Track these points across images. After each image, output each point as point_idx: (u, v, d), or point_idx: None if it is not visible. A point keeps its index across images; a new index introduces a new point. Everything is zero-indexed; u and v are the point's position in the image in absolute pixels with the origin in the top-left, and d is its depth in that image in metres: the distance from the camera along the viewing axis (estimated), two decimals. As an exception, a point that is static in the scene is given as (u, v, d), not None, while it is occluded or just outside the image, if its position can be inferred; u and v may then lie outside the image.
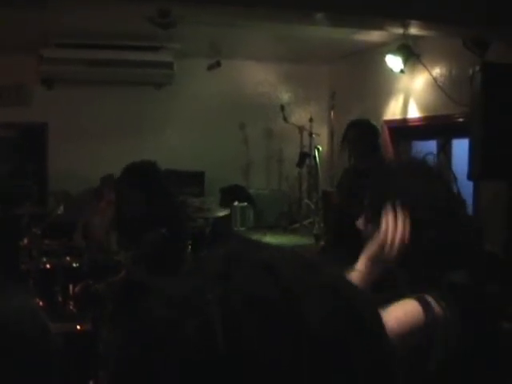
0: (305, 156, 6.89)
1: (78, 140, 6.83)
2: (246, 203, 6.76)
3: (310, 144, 6.93)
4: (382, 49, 6.09)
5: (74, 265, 4.46)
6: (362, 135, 4.64)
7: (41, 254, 4.55)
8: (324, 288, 0.65)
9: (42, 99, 6.82)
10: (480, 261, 1.82)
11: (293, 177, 7.28)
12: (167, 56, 6.72)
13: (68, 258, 4.51)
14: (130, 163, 3.77)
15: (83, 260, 4.43)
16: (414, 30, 4.64)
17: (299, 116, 7.34)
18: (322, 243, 5.43)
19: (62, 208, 5.74)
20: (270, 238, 5.96)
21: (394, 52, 5.78)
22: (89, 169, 6.40)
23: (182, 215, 3.95)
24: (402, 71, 5.90)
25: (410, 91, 6.13)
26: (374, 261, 1.71)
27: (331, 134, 7.11)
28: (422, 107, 5.99)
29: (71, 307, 4.25)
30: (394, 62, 5.84)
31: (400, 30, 4.70)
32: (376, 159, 4.34)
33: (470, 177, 4.24)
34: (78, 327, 3.91)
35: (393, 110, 6.45)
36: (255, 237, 5.94)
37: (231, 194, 6.89)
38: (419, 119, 6.05)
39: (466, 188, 4.48)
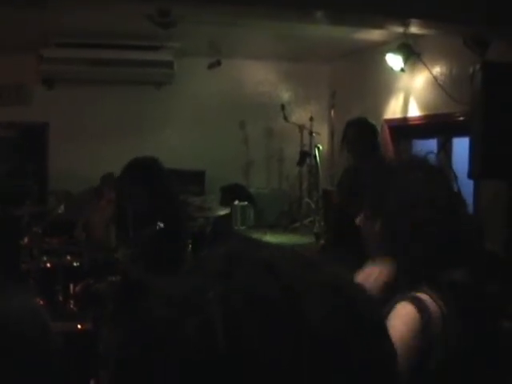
0: (305, 155, 6.89)
1: (79, 139, 6.84)
2: (246, 202, 6.76)
3: (310, 143, 6.92)
4: (382, 47, 6.09)
5: (75, 264, 4.45)
6: (361, 134, 4.64)
7: (41, 253, 4.55)
8: (324, 287, 0.65)
9: (43, 99, 6.82)
10: (480, 260, 1.82)
11: (293, 176, 7.28)
12: (167, 55, 6.72)
13: (69, 258, 4.51)
14: (132, 159, 3.75)
15: (84, 259, 4.43)
16: (414, 29, 4.63)
17: (299, 115, 7.34)
18: (322, 242, 5.43)
19: (62, 207, 5.73)
20: (270, 237, 5.96)
21: (395, 51, 5.78)
22: (89, 168, 6.39)
23: (182, 213, 3.94)
24: (402, 70, 5.89)
25: (411, 90, 6.12)
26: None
27: (331, 133, 7.10)
28: (422, 106, 5.98)
29: (72, 306, 4.25)
30: (394, 60, 5.84)
31: (400, 29, 4.70)
32: (376, 158, 4.34)
33: (470, 176, 4.24)
34: (79, 326, 3.90)
35: (393, 109, 6.45)
36: (255, 236, 5.94)
37: (232, 193, 6.89)
38: (420, 118, 6.05)
39: (466, 187, 4.48)
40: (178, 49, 6.64)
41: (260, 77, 7.56)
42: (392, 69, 5.93)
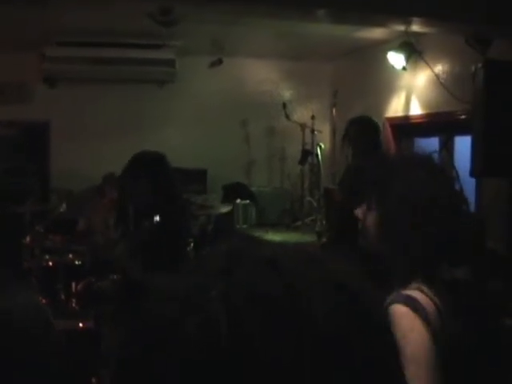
0: (307, 153, 6.89)
1: (80, 138, 6.84)
2: (248, 201, 6.76)
3: (312, 141, 6.92)
4: (384, 46, 6.08)
5: (77, 262, 4.46)
6: (363, 132, 4.63)
7: (43, 251, 4.55)
8: (327, 283, 0.65)
9: (44, 97, 6.82)
10: (482, 258, 1.82)
11: (295, 174, 7.28)
12: (169, 54, 6.72)
13: (70, 256, 4.51)
14: (140, 151, 3.71)
15: (85, 258, 4.43)
16: (416, 27, 4.63)
17: (301, 113, 7.33)
18: (324, 240, 5.43)
19: (64, 206, 5.74)
20: (272, 236, 5.95)
21: (396, 49, 5.78)
22: (91, 167, 6.40)
23: (184, 211, 3.92)
24: (404, 68, 5.89)
25: (412, 88, 6.12)
26: None
27: (333, 132, 7.09)
28: (424, 104, 5.98)
29: (73, 305, 4.25)
30: (396, 59, 5.83)
31: (402, 27, 4.70)
32: (378, 155, 4.33)
33: (472, 174, 4.24)
34: (81, 325, 3.91)
35: (395, 107, 6.44)
36: (257, 234, 5.94)
37: (233, 191, 6.89)
38: (421, 116, 6.04)
39: (468, 185, 4.48)
40: (179, 47, 6.64)
41: (262, 75, 7.55)
42: (394, 67, 5.93)
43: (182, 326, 0.60)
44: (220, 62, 6.90)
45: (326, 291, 0.64)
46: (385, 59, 5.94)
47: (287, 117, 7.02)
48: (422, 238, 1.66)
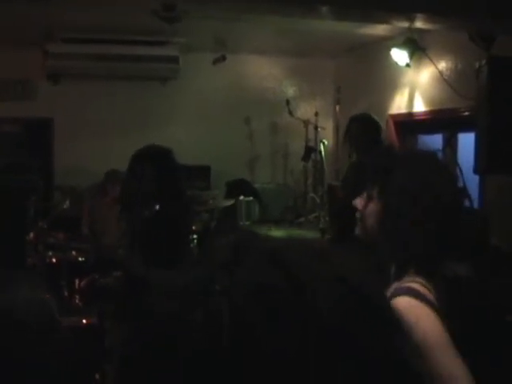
0: (310, 150, 6.88)
1: (84, 135, 6.84)
2: (251, 197, 6.75)
3: (315, 138, 6.91)
4: (387, 42, 6.07)
5: (80, 259, 4.47)
6: (364, 130, 4.63)
7: (47, 248, 4.56)
8: (332, 276, 0.65)
9: (48, 94, 6.83)
10: (484, 255, 1.82)
11: (298, 171, 7.28)
12: (173, 50, 6.72)
13: (74, 253, 4.53)
14: (149, 144, 3.69)
15: (89, 254, 4.44)
16: (419, 24, 4.62)
17: (304, 110, 7.33)
18: (328, 237, 5.42)
19: (67, 203, 5.75)
20: (275, 232, 5.95)
21: (400, 46, 5.76)
22: (94, 164, 6.41)
23: (186, 207, 3.90)
24: (407, 65, 5.88)
25: (416, 85, 6.11)
26: None
27: (336, 128, 7.09)
28: (427, 101, 5.97)
29: (77, 301, 4.26)
30: (399, 55, 5.82)
31: (406, 24, 4.68)
32: (380, 150, 4.32)
33: (475, 171, 4.23)
34: (84, 321, 3.92)
35: (398, 104, 6.43)
36: (260, 231, 5.94)
37: (237, 188, 6.88)
38: (425, 113, 6.03)
39: (471, 182, 4.47)
40: (183, 44, 6.64)
41: (265, 72, 7.55)
42: (397, 64, 5.92)
43: (187, 321, 0.61)
44: (223, 58, 6.90)
45: (330, 284, 0.64)
46: (388, 56, 5.93)
47: (290, 113, 7.02)
48: (423, 235, 1.65)
